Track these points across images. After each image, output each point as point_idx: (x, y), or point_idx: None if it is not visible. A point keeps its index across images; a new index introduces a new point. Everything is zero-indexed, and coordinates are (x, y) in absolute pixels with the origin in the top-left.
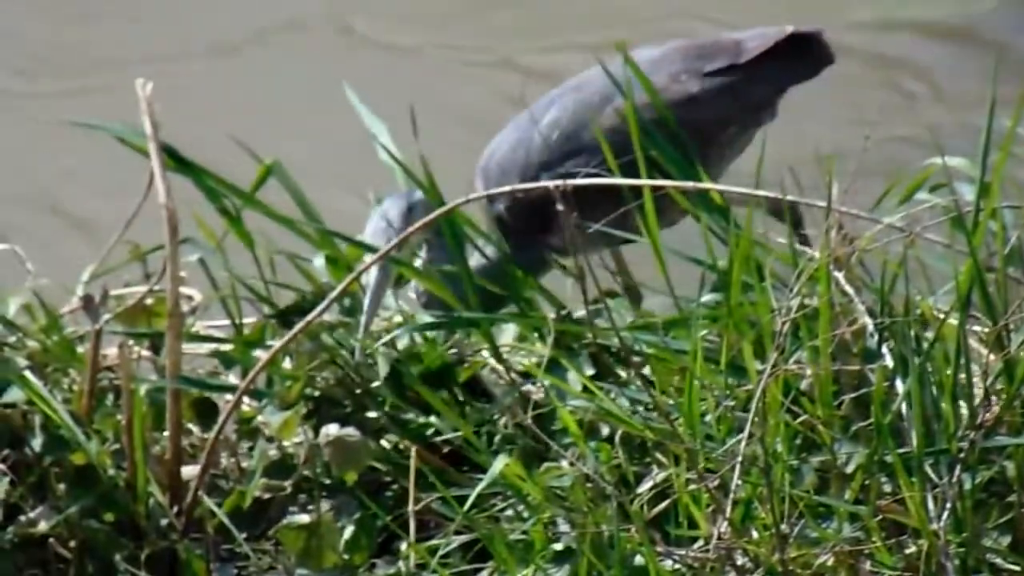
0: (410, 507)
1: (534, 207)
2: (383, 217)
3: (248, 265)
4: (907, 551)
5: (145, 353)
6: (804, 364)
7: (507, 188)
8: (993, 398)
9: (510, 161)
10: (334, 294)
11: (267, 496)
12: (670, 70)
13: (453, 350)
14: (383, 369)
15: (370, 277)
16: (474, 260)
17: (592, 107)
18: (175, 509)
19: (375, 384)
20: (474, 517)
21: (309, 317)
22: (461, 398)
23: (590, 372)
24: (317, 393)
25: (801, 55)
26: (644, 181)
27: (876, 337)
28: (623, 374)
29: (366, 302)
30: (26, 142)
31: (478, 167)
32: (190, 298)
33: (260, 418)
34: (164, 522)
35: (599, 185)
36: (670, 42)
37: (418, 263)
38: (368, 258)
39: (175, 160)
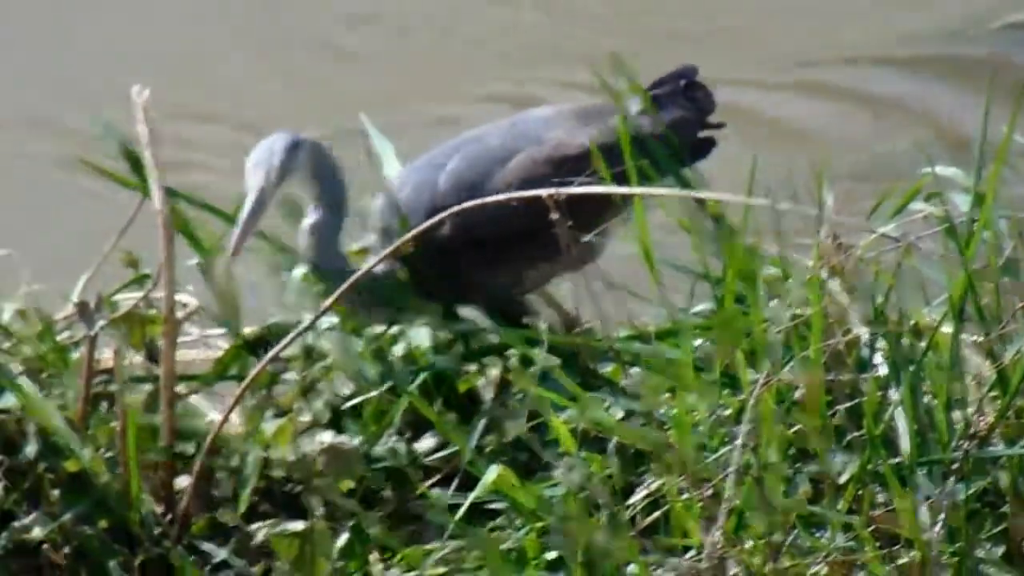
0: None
1: (441, 250)
2: (268, 149)
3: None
4: (900, 561)
5: (139, 359)
6: (797, 374)
7: (493, 199)
8: (987, 408)
9: (415, 201)
10: (321, 310)
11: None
12: (564, 126)
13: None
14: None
15: (245, 203)
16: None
17: (495, 159)
18: (168, 517)
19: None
20: (466, 526)
21: (291, 336)
22: (456, 408)
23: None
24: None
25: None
26: (635, 189)
27: (870, 347)
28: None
29: (236, 228)
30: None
31: (379, 204)
32: (185, 304)
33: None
34: (158, 529)
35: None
36: (556, 104)
37: (307, 221)
38: (248, 183)
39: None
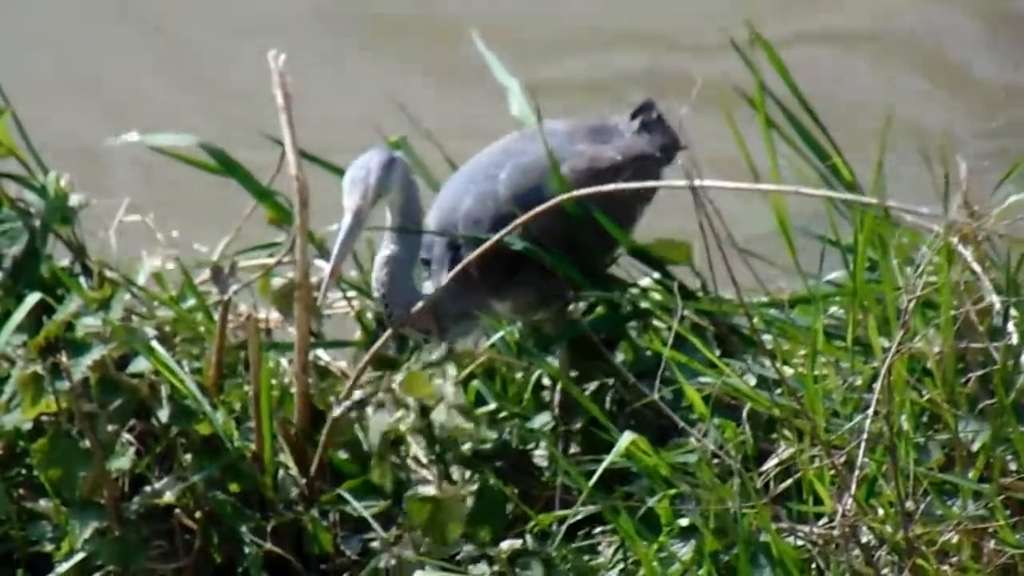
0: None
1: (500, 263)
2: (364, 166)
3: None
4: None
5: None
6: (930, 341)
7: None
8: None
9: (480, 211)
10: (442, 286)
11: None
12: (587, 140)
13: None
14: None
15: (342, 222)
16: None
17: (544, 168)
18: (303, 481)
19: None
20: (598, 494)
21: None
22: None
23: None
24: None
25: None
26: (778, 187)
27: (1002, 315)
28: (747, 355)
29: (335, 249)
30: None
31: (436, 220)
32: (320, 269)
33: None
34: (294, 492)
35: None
36: (566, 120)
37: (383, 252)
38: (345, 202)
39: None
